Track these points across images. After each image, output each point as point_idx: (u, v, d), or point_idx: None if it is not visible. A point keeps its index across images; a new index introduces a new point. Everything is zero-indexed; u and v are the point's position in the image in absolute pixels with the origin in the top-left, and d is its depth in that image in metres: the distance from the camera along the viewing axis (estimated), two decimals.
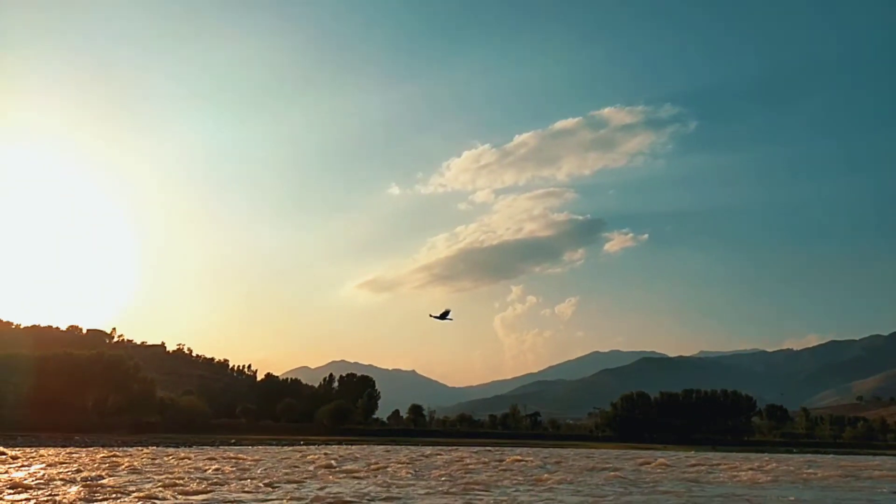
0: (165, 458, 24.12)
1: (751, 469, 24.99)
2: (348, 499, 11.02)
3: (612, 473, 21.03)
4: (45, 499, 10.29)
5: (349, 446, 46.90)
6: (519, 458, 31.37)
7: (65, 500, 9.97)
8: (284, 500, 10.79)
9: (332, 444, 50.44)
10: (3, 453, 25.81)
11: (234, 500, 10.61)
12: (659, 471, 23.00)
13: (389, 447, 47.50)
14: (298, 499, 11.12)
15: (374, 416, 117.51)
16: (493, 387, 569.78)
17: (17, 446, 31.90)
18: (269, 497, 11.33)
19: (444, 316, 19.37)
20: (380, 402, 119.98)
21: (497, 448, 51.48)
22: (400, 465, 22.54)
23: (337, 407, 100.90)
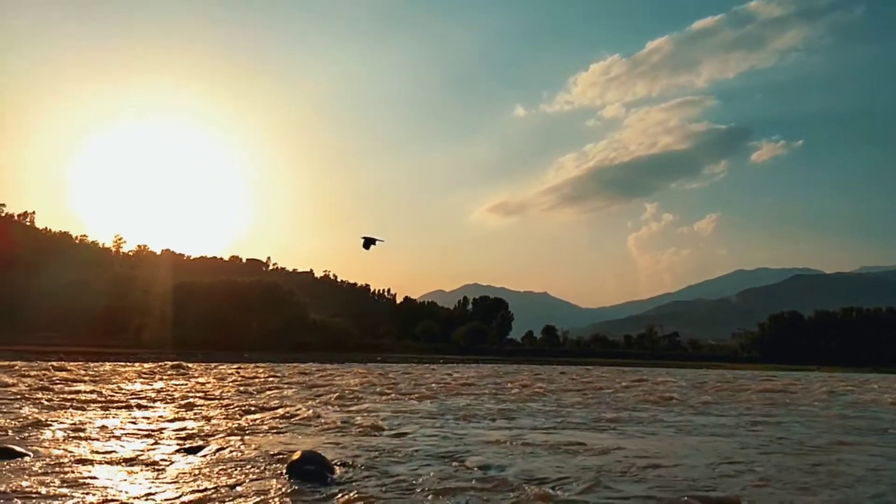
0: (322, 373, 26.61)
1: None
2: (484, 414, 11.56)
3: (759, 395, 20.21)
4: (226, 404, 11.80)
5: (485, 365, 48.76)
6: (658, 378, 30.99)
7: (241, 407, 11.34)
8: (425, 411, 11.54)
9: (468, 364, 52.72)
10: (186, 367, 29.81)
11: (380, 410, 11.52)
12: (806, 392, 21.74)
13: (523, 366, 48.81)
14: (437, 410, 11.86)
15: (508, 337, 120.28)
16: (628, 307, 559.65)
17: (197, 362, 36.57)
18: (414, 407, 12.21)
19: (370, 242, 18.08)
20: (513, 323, 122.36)
21: (633, 368, 51.11)
22: (534, 383, 23.18)
23: (472, 328, 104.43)
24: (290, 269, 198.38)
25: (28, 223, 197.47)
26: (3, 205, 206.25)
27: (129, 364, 31.94)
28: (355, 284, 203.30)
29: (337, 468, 5.66)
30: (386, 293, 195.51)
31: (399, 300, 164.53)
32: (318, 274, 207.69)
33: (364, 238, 17.68)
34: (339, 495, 4.82)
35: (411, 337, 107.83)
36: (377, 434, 8.53)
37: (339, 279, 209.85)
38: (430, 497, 4.86)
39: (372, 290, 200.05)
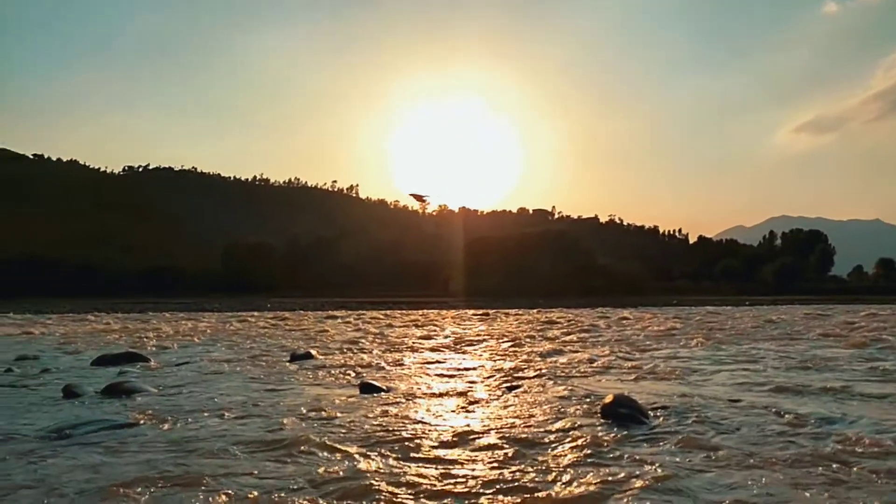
0: (615, 317, 26.66)
1: None
2: (803, 360, 10.36)
3: None
4: (531, 347, 12.66)
5: (801, 306, 43.29)
6: None
7: (545, 350, 12.04)
8: (733, 357, 10.83)
9: (780, 304, 47.37)
10: (489, 312, 32.57)
11: (682, 355, 11.17)
12: None
13: (853, 307, 42.01)
14: (746, 355, 11.02)
15: (830, 274, 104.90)
16: None
17: (497, 308, 39.64)
18: (720, 353, 11.52)
19: (420, 199, 15.43)
20: (835, 257, 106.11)
21: None
22: (869, 324, 19.83)
23: (783, 265, 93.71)
24: (575, 217, 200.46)
25: (354, 195, 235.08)
26: (335, 181, 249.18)
27: (441, 311, 36.15)
28: (643, 227, 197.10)
29: (650, 412, 5.66)
30: (677, 233, 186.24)
31: (692, 240, 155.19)
32: (603, 219, 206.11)
33: (411, 195, 17.76)
34: (660, 439, 4.82)
35: (710, 278, 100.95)
36: (683, 380, 8.26)
37: (625, 223, 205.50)
38: (759, 447, 4.56)
39: (661, 231, 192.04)
